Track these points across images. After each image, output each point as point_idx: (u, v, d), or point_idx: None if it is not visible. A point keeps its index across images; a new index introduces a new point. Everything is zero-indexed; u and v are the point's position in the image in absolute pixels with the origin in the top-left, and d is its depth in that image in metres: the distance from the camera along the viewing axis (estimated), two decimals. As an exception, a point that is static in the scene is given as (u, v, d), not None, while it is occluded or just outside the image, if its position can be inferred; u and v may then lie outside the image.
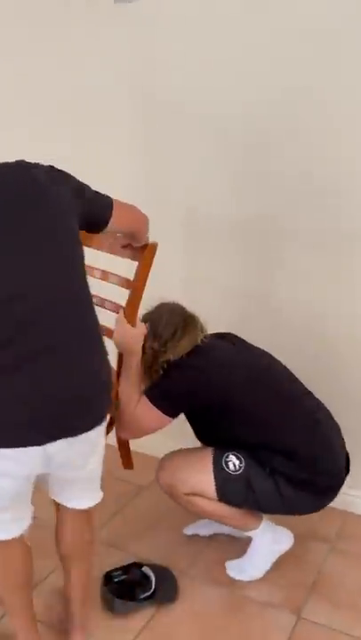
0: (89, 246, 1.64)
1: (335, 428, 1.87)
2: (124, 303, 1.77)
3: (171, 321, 1.75)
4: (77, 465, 1.41)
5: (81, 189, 1.40)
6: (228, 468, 1.76)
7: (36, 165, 1.34)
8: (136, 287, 1.74)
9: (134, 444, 2.09)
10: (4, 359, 1.23)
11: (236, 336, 1.92)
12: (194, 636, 1.69)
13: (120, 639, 1.67)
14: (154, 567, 1.88)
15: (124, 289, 1.78)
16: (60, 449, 1.30)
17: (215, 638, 1.68)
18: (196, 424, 1.91)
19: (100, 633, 1.68)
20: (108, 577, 1.85)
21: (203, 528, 2.11)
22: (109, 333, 1.74)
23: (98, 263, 1.82)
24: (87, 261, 1.41)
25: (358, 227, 2.07)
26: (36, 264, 1.25)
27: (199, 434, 1.93)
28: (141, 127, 2.37)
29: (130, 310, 1.74)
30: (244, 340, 1.92)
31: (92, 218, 1.44)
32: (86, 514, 1.56)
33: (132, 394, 1.72)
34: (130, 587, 1.81)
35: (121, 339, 1.72)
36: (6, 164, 1.31)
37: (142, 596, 1.78)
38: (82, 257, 1.37)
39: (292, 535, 1.92)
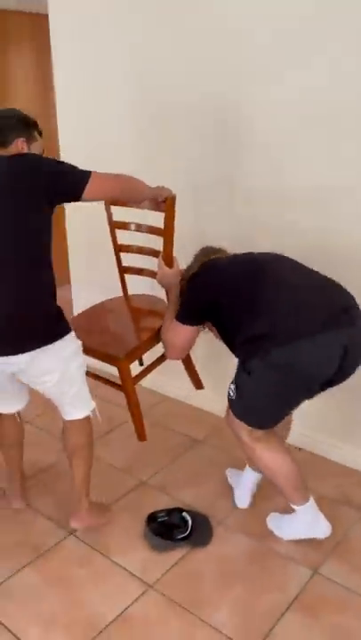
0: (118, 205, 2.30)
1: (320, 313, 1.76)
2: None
3: (196, 257, 2.07)
4: (34, 382, 1.90)
5: (49, 171, 1.74)
6: (230, 395, 1.92)
7: (11, 160, 1.74)
8: (166, 234, 2.10)
9: (197, 402, 2.33)
10: None
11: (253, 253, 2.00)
12: (216, 577, 1.91)
13: (153, 570, 1.93)
14: (193, 513, 2.11)
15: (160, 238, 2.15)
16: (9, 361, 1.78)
17: (234, 582, 1.89)
18: (220, 332, 1.98)
19: (137, 563, 1.96)
20: (152, 517, 2.11)
21: (234, 477, 2.29)
22: (153, 275, 2.18)
23: (131, 218, 2.30)
24: (121, 218, 2.14)
25: None
26: None
27: (226, 343, 1.97)
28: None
29: (165, 254, 2.11)
30: (256, 253, 1.99)
31: (61, 193, 1.76)
32: (78, 423, 1.98)
33: (168, 320, 2.04)
34: (169, 527, 2.06)
35: (160, 278, 2.12)
36: None
37: (178, 537, 2.03)
38: (32, 225, 1.73)
39: (331, 527, 1.99)
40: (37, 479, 2.40)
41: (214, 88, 2.40)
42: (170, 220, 2.08)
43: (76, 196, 1.77)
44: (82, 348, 1.95)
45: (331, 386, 1.86)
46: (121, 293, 2.61)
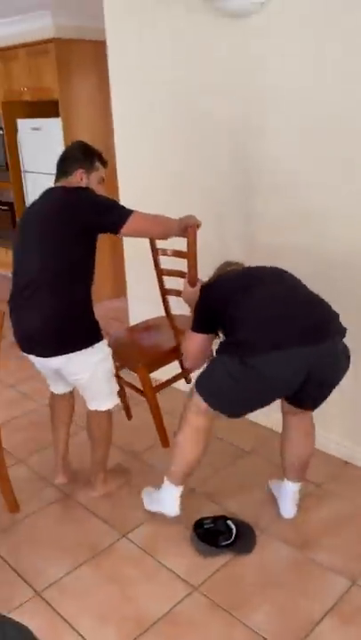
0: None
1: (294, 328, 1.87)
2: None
3: (216, 270, 2.28)
4: (66, 378, 2.26)
5: (93, 208, 2.06)
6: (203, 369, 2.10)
7: (62, 191, 2.13)
8: (188, 257, 2.34)
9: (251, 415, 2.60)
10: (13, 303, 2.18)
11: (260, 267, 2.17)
12: (257, 583, 2.02)
13: (198, 573, 2.07)
14: (237, 522, 2.24)
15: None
16: (41, 363, 2.22)
17: (274, 588, 2.00)
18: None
19: (183, 566, 2.11)
20: (198, 523, 2.25)
21: (276, 488, 2.41)
22: (179, 293, 2.45)
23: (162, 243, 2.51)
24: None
25: None
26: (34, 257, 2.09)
27: None
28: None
29: (188, 275, 2.34)
30: (258, 267, 2.16)
31: (101, 228, 2.08)
32: (98, 414, 2.33)
33: (187, 332, 2.25)
34: (214, 534, 2.19)
35: (183, 296, 2.35)
36: (46, 191, 2.17)
37: (223, 544, 2.15)
38: (68, 251, 2.05)
39: (177, 513, 2.22)
40: (90, 488, 2.58)
41: (254, 121, 2.53)
42: (190, 245, 2.31)
43: (115, 233, 2.08)
44: (110, 355, 2.29)
45: (312, 394, 2.01)
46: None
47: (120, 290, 4.28)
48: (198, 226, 2.30)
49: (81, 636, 1.86)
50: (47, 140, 4.61)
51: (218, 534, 2.19)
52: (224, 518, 2.26)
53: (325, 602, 1.93)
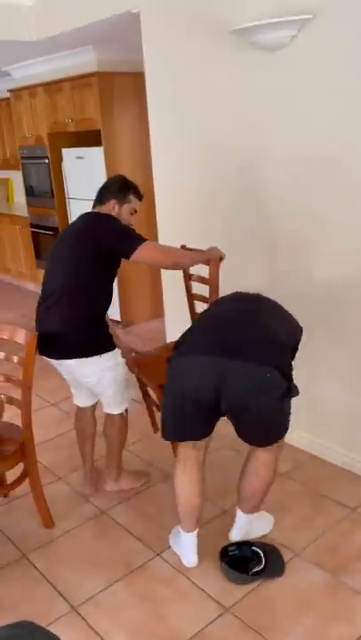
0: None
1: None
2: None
3: None
4: (80, 380, 2.51)
5: (111, 233, 2.31)
6: None
7: (91, 215, 2.44)
8: (210, 285, 2.65)
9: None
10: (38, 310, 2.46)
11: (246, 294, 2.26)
12: (289, 605, 2.03)
13: (230, 595, 2.09)
14: (262, 546, 2.24)
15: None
16: (57, 365, 2.48)
17: (306, 611, 2.00)
18: None
19: (215, 587, 2.13)
20: (224, 550, 2.25)
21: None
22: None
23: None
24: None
25: None
26: (58, 270, 2.39)
27: None
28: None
29: (209, 300, 2.61)
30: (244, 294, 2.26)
31: (115, 251, 2.31)
32: (112, 417, 2.60)
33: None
34: (243, 561, 2.19)
35: None
36: (81, 215, 2.47)
37: (254, 570, 2.16)
38: (85, 269, 2.32)
39: (195, 563, 2.23)
40: (129, 503, 2.65)
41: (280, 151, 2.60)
42: (211, 275, 2.63)
43: (126, 258, 2.30)
44: (122, 365, 2.52)
45: (233, 414, 2.01)
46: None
47: (158, 311, 4.38)
48: (222, 258, 2.56)
49: (114, 651, 1.92)
50: (90, 168, 4.80)
51: (246, 560, 2.20)
52: (248, 544, 2.26)
53: (357, 626, 1.92)
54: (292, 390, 1.98)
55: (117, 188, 2.47)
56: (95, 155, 4.70)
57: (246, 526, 2.30)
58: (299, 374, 2.70)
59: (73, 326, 2.35)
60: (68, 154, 5.08)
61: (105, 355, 2.41)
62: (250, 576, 2.15)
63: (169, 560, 2.28)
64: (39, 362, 2.34)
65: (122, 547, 2.37)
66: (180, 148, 3.18)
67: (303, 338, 2.17)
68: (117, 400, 2.56)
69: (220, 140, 2.93)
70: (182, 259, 2.52)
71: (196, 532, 2.22)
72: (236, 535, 2.32)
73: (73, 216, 5.27)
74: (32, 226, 5.84)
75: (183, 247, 2.73)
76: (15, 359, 2.41)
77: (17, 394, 2.38)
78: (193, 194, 3.18)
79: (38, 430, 2.54)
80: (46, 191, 5.46)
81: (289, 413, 2.06)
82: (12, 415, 2.46)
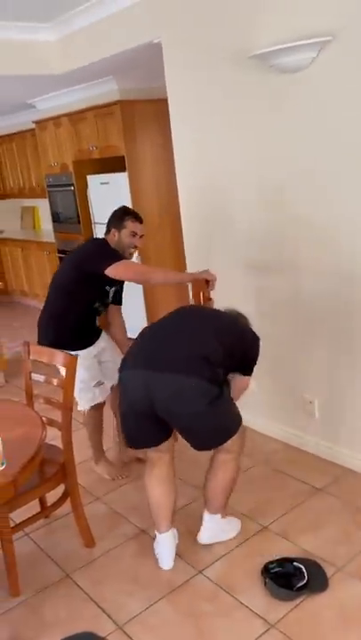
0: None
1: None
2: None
3: None
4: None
5: (84, 256, 2.78)
6: None
7: (86, 242, 3.14)
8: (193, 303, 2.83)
9: (316, 450, 2.78)
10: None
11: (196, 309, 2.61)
12: (333, 621, 2.02)
13: (274, 611, 2.09)
14: (304, 561, 2.24)
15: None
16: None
17: (352, 626, 1.99)
18: None
19: (259, 603, 2.13)
20: (266, 568, 2.25)
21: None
22: None
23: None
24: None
25: None
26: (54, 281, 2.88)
27: None
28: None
29: None
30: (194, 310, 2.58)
31: (91, 267, 2.67)
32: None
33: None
34: (285, 577, 2.19)
35: None
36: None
37: (298, 585, 2.16)
38: (65, 286, 2.79)
39: (170, 565, 2.36)
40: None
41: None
42: (193, 294, 2.78)
43: (100, 272, 2.61)
44: (82, 370, 2.69)
45: (168, 421, 2.19)
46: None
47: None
48: (209, 281, 2.69)
49: (161, 669, 1.93)
50: (115, 193, 4.91)
51: (289, 576, 2.20)
52: (289, 560, 2.26)
53: None
54: (223, 393, 2.15)
55: (115, 218, 2.84)
56: (120, 180, 4.82)
57: (214, 527, 2.43)
58: (344, 388, 2.74)
59: (52, 325, 2.84)
60: (93, 180, 5.21)
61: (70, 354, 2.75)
62: (294, 591, 2.15)
63: (211, 577, 2.29)
64: (77, 383, 2.39)
65: (164, 565, 2.39)
66: (203, 172, 3.25)
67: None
68: (79, 397, 2.87)
69: (242, 163, 2.99)
70: (155, 277, 2.87)
71: (170, 533, 2.38)
72: (203, 537, 2.44)
73: (99, 240, 5.37)
74: (59, 251, 5.98)
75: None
76: (55, 381, 2.48)
77: (56, 415, 2.43)
78: (218, 216, 3.23)
79: (75, 451, 2.58)
80: (72, 217, 5.60)
81: (228, 416, 2.22)
82: (52, 437, 2.51)
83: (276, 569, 2.23)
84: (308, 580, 2.16)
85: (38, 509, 2.57)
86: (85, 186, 5.33)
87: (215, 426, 2.19)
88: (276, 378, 3.15)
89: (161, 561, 2.36)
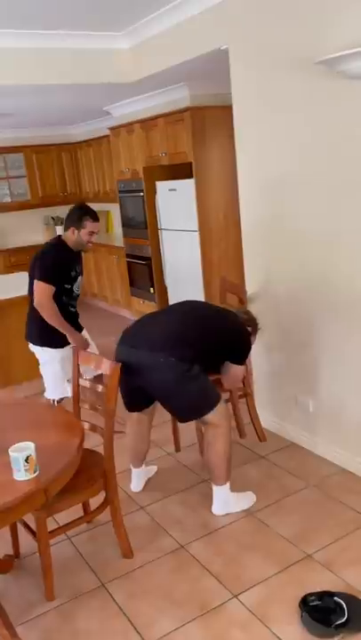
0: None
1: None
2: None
3: None
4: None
5: (37, 263, 3.12)
6: None
7: (46, 243, 3.30)
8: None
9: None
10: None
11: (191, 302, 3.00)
12: (373, 667, 1.88)
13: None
14: (346, 597, 2.10)
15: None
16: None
17: None
18: None
19: (292, 637, 2.02)
20: (304, 600, 2.13)
21: None
22: None
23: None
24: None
25: None
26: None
27: None
28: None
29: None
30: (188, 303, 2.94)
31: (33, 275, 3.12)
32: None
33: None
34: (325, 612, 2.06)
35: None
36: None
37: (336, 623, 2.02)
38: (31, 285, 3.16)
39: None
40: (208, 538, 2.59)
41: None
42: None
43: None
44: (57, 363, 3.21)
45: (150, 392, 2.68)
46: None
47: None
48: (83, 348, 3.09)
49: None
50: (182, 200, 4.90)
51: (328, 612, 2.07)
52: (330, 594, 2.13)
53: None
54: (192, 370, 2.51)
55: (75, 217, 3.09)
56: (187, 187, 4.80)
57: (224, 498, 2.72)
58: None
59: (31, 323, 3.22)
60: (162, 186, 5.23)
61: (45, 348, 3.21)
62: (331, 628, 2.02)
63: (246, 603, 2.20)
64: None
65: (198, 584, 2.33)
66: (264, 180, 3.16)
67: None
68: (48, 388, 3.33)
69: (305, 170, 2.88)
70: (45, 314, 3.08)
71: (141, 469, 3.03)
72: (216, 508, 2.73)
73: (165, 246, 5.39)
74: (127, 256, 6.05)
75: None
76: (99, 388, 2.48)
77: (99, 422, 2.43)
78: (279, 225, 3.13)
79: (119, 458, 2.57)
80: (140, 222, 5.65)
81: (200, 391, 2.58)
82: (96, 443, 2.52)
83: (316, 602, 2.11)
84: (348, 619, 2.02)
85: (82, 514, 2.58)
86: (154, 192, 5.36)
87: (188, 397, 2.58)
88: (340, 400, 3.00)
89: (133, 485, 3.02)
